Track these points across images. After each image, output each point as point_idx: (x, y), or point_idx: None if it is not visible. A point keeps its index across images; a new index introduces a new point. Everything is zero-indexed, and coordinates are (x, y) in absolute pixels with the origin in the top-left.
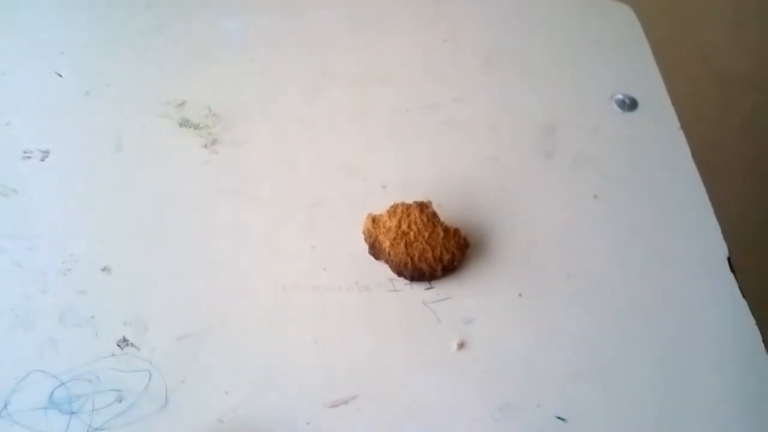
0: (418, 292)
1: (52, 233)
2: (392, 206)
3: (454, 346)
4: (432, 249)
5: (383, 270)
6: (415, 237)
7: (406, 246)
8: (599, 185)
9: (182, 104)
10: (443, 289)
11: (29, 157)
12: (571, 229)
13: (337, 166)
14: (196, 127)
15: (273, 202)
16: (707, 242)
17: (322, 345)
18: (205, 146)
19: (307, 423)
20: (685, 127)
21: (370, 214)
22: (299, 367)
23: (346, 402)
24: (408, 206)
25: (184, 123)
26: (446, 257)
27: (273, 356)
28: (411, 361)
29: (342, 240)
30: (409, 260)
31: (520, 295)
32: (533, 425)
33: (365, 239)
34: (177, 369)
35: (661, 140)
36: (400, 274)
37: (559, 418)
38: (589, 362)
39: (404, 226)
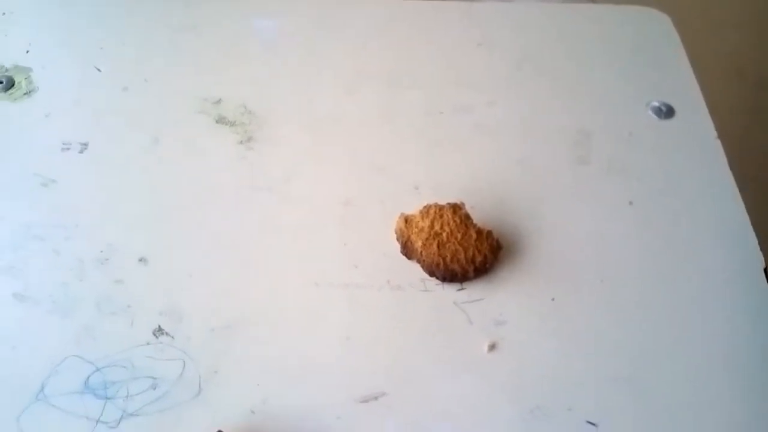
0: (449, 292)
1: (90, 223)
2: (425, 207)
3: (485, 347)
4: (464, 250)
5: (415, 270)
6: (447, 238)
7: (438, 246)
8: (635, 192)
9: (218, 101)
10: (475, 290)
11: (68, 149)
12: (606, 235)
13: (370, 166)
14: (232, 124)
15: (306, 199)
16: (743, 252)
17: (353, 342)
18: (241, 143)
19: (337, 417)
20: (721, 135)
21: (402, 214)
22: (330, 362)
23: (376, 398)
24: (441, 207)
25: (220, 120)
26: (479, 259)
27: (304, 351)
28: (441, 361)
29: (374, 239)
30: (442, 261)
31: (552, 299)
32: (563, 429)
33: (397, 239)
34: (210, 359)
35: (698, 148)
36: (431, 274)
37: (589, 422)
38: (621, 368)
39: (437, 227)
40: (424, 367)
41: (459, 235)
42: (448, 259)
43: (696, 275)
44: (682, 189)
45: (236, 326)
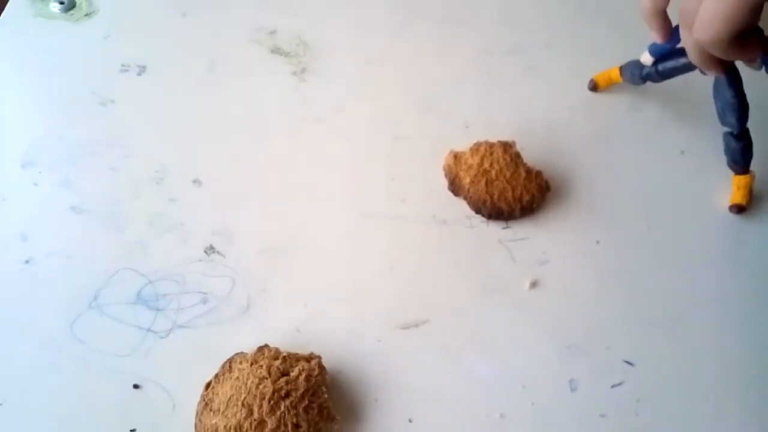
0: (494, 230)
1: (146, 144)
2: (476, 144)
3: (527, 284)
4: (512, 189)
5: (461, 206)
6: (496, 176)
7: (486, 184)
8: (686, 141)
9: (274, 32)
10: (520, 229)
11: (126, 71)
12: (656, 183)
13: (421, 102)
14: (287, 54)
15: (356, 132)
16: None
17: (397, 271)
18: (294, 74)
19: (378, 341)
20: None
21: (452, 150)
22: (374, 289)
23: (416, 325)
24: (491, 145)
25: (275, 50)
26: (526, 198)
27: (350, 277)
28: (483, 295)
29: (422, 174)
30: (489, 198)
31: (597, 242)
32: (600, 365)
33: (445, 175)
34: (259, 279)
35: (752, 99)
36: (478, 211)
37: (626, 362)
38: (661, 312)
39: (486, 165)
40: (466, 300)
41: (508, 174)
42: (495, 196)
43: (742, 226)
44: None
45: (285, 250)
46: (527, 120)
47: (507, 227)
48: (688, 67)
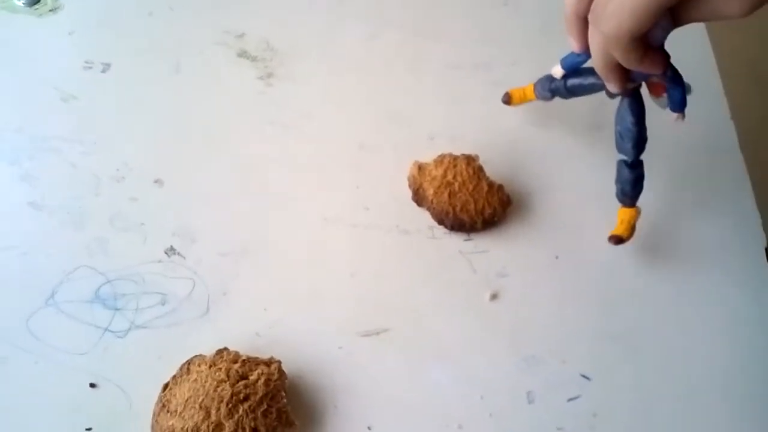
0: (456, 241)
1: (108, 141)
2: (440, 156)
3: (487, 296)
4: (475, 201)
5: (424, 217)
6: (459, 188)
7: (449, 196)
8: (645, 161)
9: (242, 35)
10: (481, 241)
11: (90, 68)
12: (614, 201)
13: (387, 112)
14: (254, 59)
15: (322, 139)
16: (746, 230)
17: (358, 279)
18: (261, 78)
19: (339, 348)
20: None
21: (416, 161)
22: (335, 295)
23: (377, 333)
24: (455, 157)
25: (242, 54)
26: (488, 211)
27: (311, 282)
28: (443, 305)
29: (386, 184)
30: (451, 210)
31: (556, 257)
32: (557, 379)
33: (409, 185)
34: (220, 282)
35: (711, 125)
36: (440, 222)
37: (583, 376)
38: (618, 327)
39: (449, 176)
40: (426, 309)
41: (471, 186)
42: (458, 208)
43: (697, 247)
44: (692, 162)
45: (247, 253)
46: (491, 134)
47: (468, 239)
48: (596, 87)
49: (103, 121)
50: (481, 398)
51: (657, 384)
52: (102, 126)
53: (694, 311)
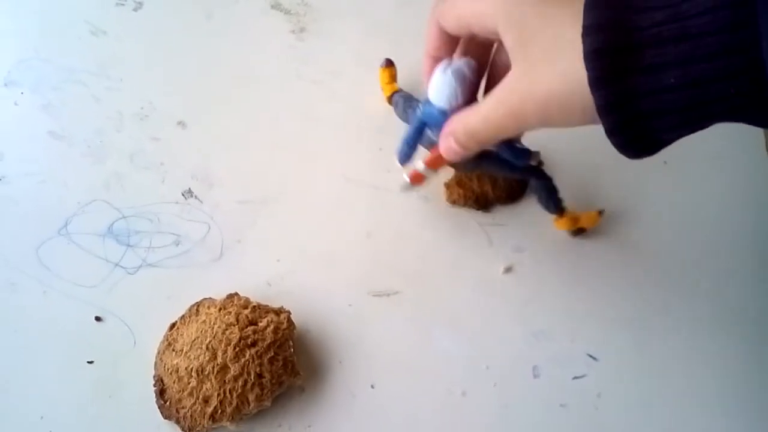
0: (475, 213)
1: (134, 79)
2: None
3: (501, 269)
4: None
5: None
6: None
7: (478, 179)
8: (671, 151)
9: None
10: (501, 215)
11: (122, 5)
12: (638, 188)
13: (418, 78)
14: (287, 12)
15: (349, 98)
16: (765, 218)
17: (374, 239)
18: (293, 32)
19: (349, 305)
20: None
21: None
22: (349, 254)
23: (388, 294)
24: None
25: (276, 6)
26: (510, 186)
27: (327, 238)
28: (456, 273)
29: None
30: (474, 181)
31: (573, 237)
32: (564, 356)
33: None
34: (235, 229)
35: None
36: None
37: (590, 356)
38: (630, 311)
39: None
40: (439, 276)
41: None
42: (480, 180)
43: (717, 234)
44: (714, 151)
45: (265, 203)
46: None
47: (488, 212)
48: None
49: (131, 59)
50: (487, 368)
51: (664, 371)
52: (129, 63)
53: (708, 305)
